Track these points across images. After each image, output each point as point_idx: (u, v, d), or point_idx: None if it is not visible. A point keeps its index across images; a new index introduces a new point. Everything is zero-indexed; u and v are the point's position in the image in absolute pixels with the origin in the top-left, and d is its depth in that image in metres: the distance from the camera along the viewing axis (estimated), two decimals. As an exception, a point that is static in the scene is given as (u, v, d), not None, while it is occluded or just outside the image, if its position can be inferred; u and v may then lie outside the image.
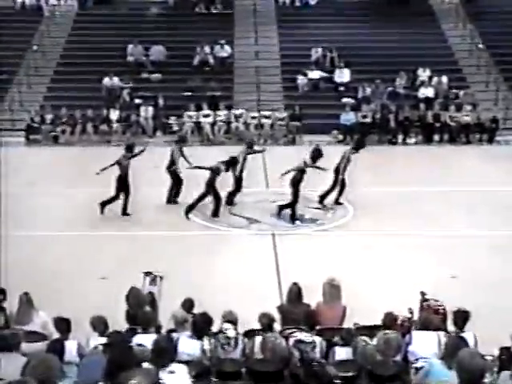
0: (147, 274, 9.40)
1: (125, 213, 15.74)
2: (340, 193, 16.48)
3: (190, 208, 15.61)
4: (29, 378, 5.27)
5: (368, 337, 7.60)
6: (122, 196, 15.71)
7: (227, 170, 15.81)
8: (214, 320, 7.97)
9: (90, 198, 16.25)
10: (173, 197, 16.64)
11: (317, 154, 15.48)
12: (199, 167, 15.65)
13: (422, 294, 8.75)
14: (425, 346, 7.59)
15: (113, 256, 13.31)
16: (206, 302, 9.15)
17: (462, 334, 7.55)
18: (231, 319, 7.99)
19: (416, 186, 17.49)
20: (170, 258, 13.12)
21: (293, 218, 15.45)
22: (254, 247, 14.13)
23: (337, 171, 16.31)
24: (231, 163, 15.97)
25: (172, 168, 16.55)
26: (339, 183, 16.36)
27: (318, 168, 15.55)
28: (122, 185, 15.60)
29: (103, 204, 15.64)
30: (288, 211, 15.54)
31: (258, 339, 7.59)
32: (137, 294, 8.66)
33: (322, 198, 16.47)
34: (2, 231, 13.79)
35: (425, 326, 7.94)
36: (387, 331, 7.31)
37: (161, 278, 9.54)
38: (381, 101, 24.59)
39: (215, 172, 15.45)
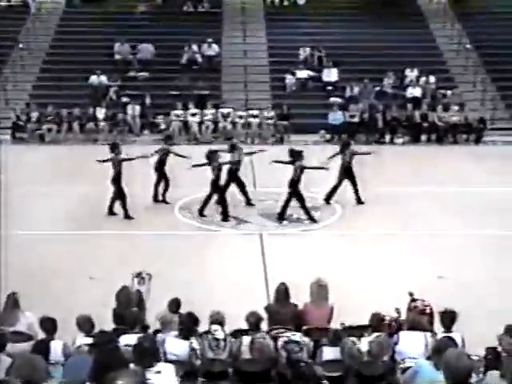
0: (137, 275, 9.38)
1: (127, 216, 15.51)
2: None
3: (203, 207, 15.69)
4: (12, 378, 5.24)
5: (355, 337, 7.61)
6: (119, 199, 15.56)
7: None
8: (200, 320, 7.97)
9: (77, 198, 16.19)
10: (162, 196, 16.62)
11: (295, 154, 15.44)
12: (199, 165, 15.57)
13: (410, 294, 8.78)
14: (412, 346, 7.62)
15: (101, 256, 13.27)
16: (194, 301, 9.14)
17: (450, 335, 7.57)
18: (219, 320, 7.98)
19: (404, 186, 17.53)
20: (157, 258, 13.07)
21: (281, 218, 15.49)
22: (241, 247, 14.13)
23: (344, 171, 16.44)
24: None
25: (163, 169, 16.50)
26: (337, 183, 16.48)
27: (317, 168, 15.56)
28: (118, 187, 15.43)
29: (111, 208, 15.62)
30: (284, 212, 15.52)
31: (246, 339, 7.60)
32: (127, 293, 8.65)
33: (328, 197, 16.54)
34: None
35: (412, 326, 7.97)
36: (378, 334, 7.33)
37: (149, 276, 9.52)
38: (368, 100, 24.64)
39: (219, 170, 15.51)
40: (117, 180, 15.32)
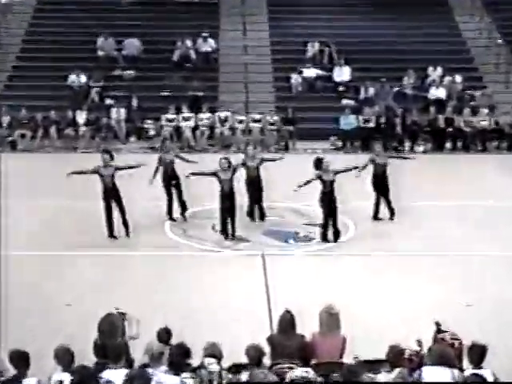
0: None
1: (127, 232, 15.63)
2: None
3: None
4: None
5: (372, 373, 7.60)
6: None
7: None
8: (192, 352, 7.96)
9: (54, 212, 16.18)
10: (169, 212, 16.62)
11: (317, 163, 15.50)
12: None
13: (437, 324, 8.76)
14: (438, 380, 7.58)
15: (82, 279, 13.27)
16: (187, 331, 9.13)
17: (479, 372, 7.55)
18: (214, 353, 7.98)
19: (425, 200, 17.53)
20: (146, 283, 13.09)
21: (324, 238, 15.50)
22: (241, 269, 14.12)
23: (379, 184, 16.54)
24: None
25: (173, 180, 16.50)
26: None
27: (346, 171, 15.64)
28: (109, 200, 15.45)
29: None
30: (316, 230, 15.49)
31: (245, 375, 7.58)
32: (112, 321, 8.64)
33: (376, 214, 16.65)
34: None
35: (438, 361, 7.91)
36: (399, 370, 7.31)
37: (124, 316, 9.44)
38: (385, 102, 24.72)
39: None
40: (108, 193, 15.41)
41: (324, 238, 15.43)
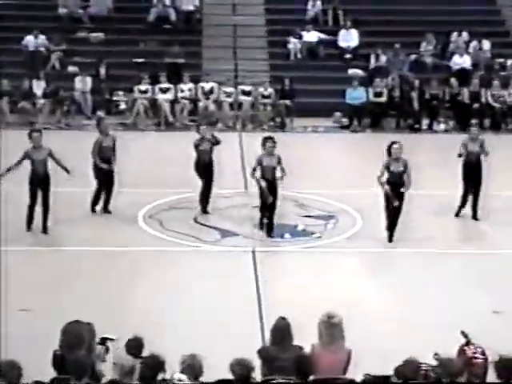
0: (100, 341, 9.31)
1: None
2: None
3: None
4: None
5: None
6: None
7: None
8: (165, 364, 7.92)
9: (4, 200, 16.14)
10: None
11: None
12: None
13: (464, 335, 8.76)
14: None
15: (38, 281, 13.28)
16: (161, 341, 9.10)
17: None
18: (193, 366, 7.95)
19: (445, 189, 17.52)
20: (116, 283, 13.14)
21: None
22: (227, 267, 14.12)
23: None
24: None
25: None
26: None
27: None
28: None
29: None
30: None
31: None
32: (74, 330, 8.61)
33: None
34: None
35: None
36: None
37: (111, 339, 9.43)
38: (400, 73, 24.70)
39: None
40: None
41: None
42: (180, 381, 7.72)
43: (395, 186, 14.88)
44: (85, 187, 16.55)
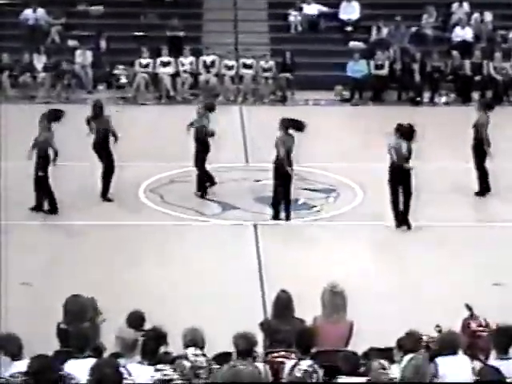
0: None
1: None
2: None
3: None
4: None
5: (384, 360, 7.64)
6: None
7: None
8: (167, 337, 7.95)
9: (5, 176, 16.17)
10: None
11: None
12: None
13: (468, 308, 8.78)
14: (456, 373, 7.64)
15: (43, 253, 13.32)
16: (162, 314, 9.15)
17: (502, 362, 7.59)
18: (195, 340, 7.98)
19: (447, 160, 17.53)
20: (117, 257, 13.21)
21: None
22: (229, 242, 14.18)
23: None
24: None
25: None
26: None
27: None
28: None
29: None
30: None
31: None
32: (77, 302, 8.65)
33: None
34: None
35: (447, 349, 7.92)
36: (415, 355, 7.33)
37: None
38: (401, 45, 24.61)
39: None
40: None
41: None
42: (195, 355, 7.75)
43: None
44: (82, 161, 16.61)
